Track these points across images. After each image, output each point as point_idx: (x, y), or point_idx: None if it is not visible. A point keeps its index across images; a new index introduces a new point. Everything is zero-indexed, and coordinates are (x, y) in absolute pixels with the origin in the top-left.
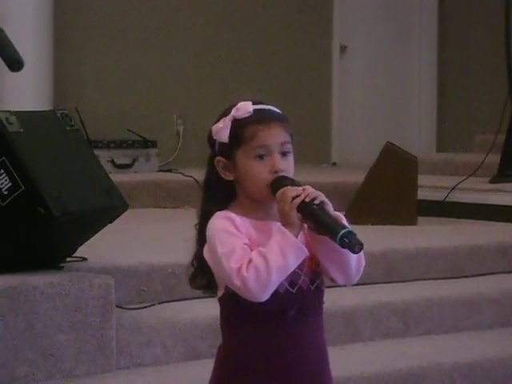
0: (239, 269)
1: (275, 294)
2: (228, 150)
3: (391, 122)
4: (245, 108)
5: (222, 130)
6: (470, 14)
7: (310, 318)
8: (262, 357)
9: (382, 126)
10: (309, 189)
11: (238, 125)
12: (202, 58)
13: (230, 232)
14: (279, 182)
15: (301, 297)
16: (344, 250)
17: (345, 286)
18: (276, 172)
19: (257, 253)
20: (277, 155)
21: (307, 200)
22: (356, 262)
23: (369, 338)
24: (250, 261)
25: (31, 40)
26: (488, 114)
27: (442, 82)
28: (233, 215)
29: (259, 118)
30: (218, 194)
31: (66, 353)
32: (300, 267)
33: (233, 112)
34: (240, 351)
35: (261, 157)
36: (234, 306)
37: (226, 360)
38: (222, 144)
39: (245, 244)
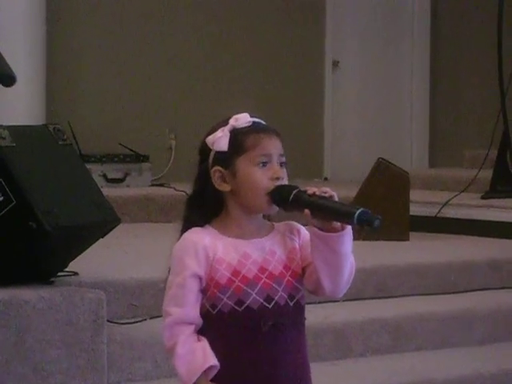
0: (165, 314)
1: (248, 310)
2: (227, 159)
3: (383, 138)
4: (244, 118)
5: (222, 139)
6: (463, 30)
7: (287, 335)
8: (236, 374)
9: (374, 141)
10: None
11: (238, 133)
12: (194, 73)
13: (181, 260)
14: (283, 190)
15: (277, 312)
16: (341, 252)
17: (330, 299)
18: (277, 179)
19: (183, 338)
20: (276, 164)
21: (315, 193)
22: (348, 272)
23: (360, 353)
24: (174, 325)
25: (24, 55)
26: (479, 129)
27: (434, 97)
28: (201, 235)
29: (259, 128)
30: (207, 207)
31: (57, 367)
32: (278, 283)
33: (232, 122)
34: None
35: (263, 164)
36: (207, 322)
37: None
38: (220, 153)
39: (193, 275)
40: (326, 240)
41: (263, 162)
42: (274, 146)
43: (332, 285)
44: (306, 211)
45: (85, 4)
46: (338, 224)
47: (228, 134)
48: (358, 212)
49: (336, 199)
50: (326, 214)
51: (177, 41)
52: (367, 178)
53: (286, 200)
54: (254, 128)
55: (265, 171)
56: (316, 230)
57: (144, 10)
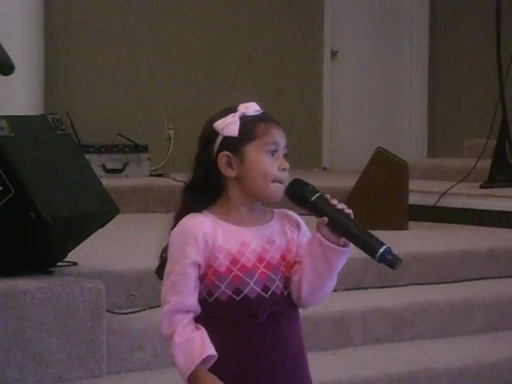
0: (163, 302)
1: (245, 299)
2: (236, 145)
3: (382, 127)
4: (253, 107)
5: (232, 125)
6: (461, 21)
7: (283, 324)
8: (234, 362)
9: (373, 131)
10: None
11: (248, 121)
12: (193, 64)
13: (181, 248)
14: (304, 187)
15: (274, 302)
16: (334, 266)
17: (300, 306)
18: (284, 169)
19: (181, 327)
20: (281, 155)
21: (336, 205)
22: (328, 289)
23: (360, 342)
24: (173, 313)
25: (22, 45)
26: (478, 119)
27: (432, 87)
28: (202, 221)
29: (268, 117)
30: (209, 192)
31: (56, 357)
32: (275, 272)
33: (242, 109)
34: None
35: (272, 153)
36: (204, 310)
37: None
38: (229, 139)
39: (193, 263)
40: (326, 250)
41: (272, 151)
42: (281, 137)
43: (309, 292)
44: (325, 219)
45: None
46: (343, 239)
47: (238, 121)
48: (381, 250)
49: (352, 217)
50: (347, 235)
51: (176, 32)
52: (366, 168)
53: (306, 198)
54: (263, 117)
55: (274, 160)
56: (320, 236)
57: (143, 1)
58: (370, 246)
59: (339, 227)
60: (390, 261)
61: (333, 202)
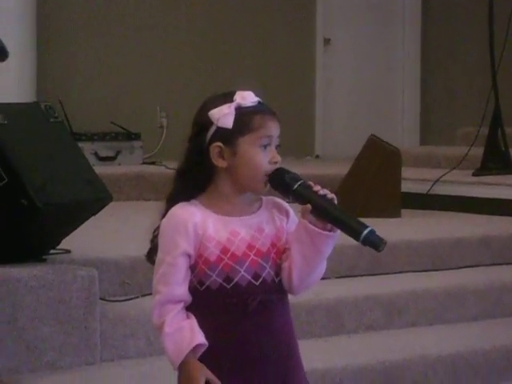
0: (154, 292)
1: (236, 287)
2: (229, 137)
3: (375, 115)
4: (250, 97)
5: (227, 116)
6: (454, 8)
7: (274, 311)
8: (224, 350)
9: (366, 118)
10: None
11: (244, 112)
12: (185, 51)
13: (172, 238)
14: (285, 176)
15: (264, 289)
16: (322, 252)
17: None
18: (275, 163)
19: (171, 317)
20: (274, 147)
21: (319, 192)
22: (318, 274)
23: (353, 330)
24: (164, 303)
25: (14, 33)
26: (471, 107)
27: (425, 74)
28: (192, 211)
29: (264, 109)
30: (199, 181)
31: (49, 345)
32: (265, 260)
33: (238, 99)
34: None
35: (265, 146)
36: (195, 298)
37: None
38: (223, 130)
39: (183, 253)
40: (313, 235)
41: (265, 145)
42: (275, 129)
43: (299, 278)
44: (308, 206)
45: None
46: (329, 225)
47: (233, 112)
48: (365, 232)
49: (335, 202)
50: (330, 220)
51: (169, 19)
52: (359, 156)
53: (288, 187)
54: (259, 109)
55: (266, 153)
56: (307, 222)
57: None
58: (354, 229)
59: (323, 213)
60: (375, 242)
61: (315, 188)
